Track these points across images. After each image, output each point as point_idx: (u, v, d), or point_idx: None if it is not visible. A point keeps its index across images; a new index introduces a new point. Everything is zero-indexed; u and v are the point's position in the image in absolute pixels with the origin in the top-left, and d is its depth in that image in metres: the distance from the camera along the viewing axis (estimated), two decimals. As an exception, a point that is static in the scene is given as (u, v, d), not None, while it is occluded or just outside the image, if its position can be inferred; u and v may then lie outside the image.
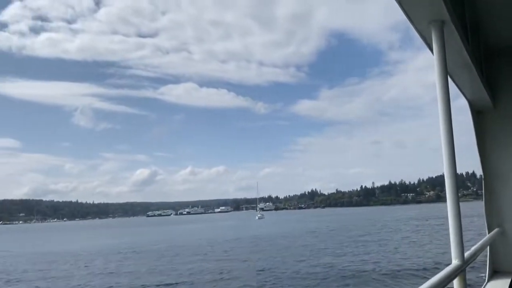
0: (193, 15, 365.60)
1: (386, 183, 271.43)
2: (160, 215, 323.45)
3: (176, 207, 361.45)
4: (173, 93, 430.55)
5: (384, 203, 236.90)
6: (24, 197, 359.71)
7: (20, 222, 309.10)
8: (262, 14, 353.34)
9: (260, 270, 22.22)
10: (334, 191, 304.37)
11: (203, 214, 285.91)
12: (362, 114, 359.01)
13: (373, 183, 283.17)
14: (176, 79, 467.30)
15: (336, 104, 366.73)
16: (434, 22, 2.66)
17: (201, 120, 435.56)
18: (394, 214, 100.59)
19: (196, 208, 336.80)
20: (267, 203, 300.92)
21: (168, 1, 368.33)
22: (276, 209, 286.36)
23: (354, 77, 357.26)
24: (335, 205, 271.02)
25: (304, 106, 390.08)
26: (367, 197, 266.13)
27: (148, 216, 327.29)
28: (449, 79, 3.23)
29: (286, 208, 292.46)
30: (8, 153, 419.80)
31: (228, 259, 27.94)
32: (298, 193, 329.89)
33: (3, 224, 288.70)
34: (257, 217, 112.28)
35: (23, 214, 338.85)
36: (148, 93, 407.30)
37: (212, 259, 28.30)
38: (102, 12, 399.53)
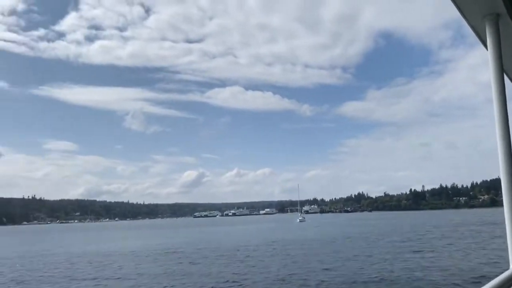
0: (240, 20, 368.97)
1: (437, 186, 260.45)
2: (206, 216, 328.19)
3: (222, 208, 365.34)
4: (219, 97, 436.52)
5: (434, 207, 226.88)
6: (79, 198, 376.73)
7: (76, 221, 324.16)
8: (308, 17, 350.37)
9: (280, 279, 21.30)
10: (382, 194, 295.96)
11: (248, 216, 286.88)
12: (410, 115, 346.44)
13: (423, 186, 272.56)
14: (222, 83, 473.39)
15: (383, 105, 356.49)
16: (488, 16, 2.52)
17: (247, 123, 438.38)
18: (445, 219, 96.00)
19: (241, 210, 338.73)
20: (312, 206, 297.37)
21: (215, 7, 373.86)
22: (322, 212, 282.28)
23: (402, 77, 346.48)
24: (383, 208, 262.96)
25: (350, 108, 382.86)
26: (416, 200, 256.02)
27: (195, 217, 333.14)
28: (505, 77, 2.85)
29: (332, 211, 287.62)
30: (65, 155, 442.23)
31: (247, 264, 27.17)
32: (344, 196, 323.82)
33: (60, 223, 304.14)
34: (298, 220, 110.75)
35: (78, 214, 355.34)
36: (196, 97, 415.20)
37: (232, 263, 27.68)
38: (152, 19, 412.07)
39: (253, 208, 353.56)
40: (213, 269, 25.47)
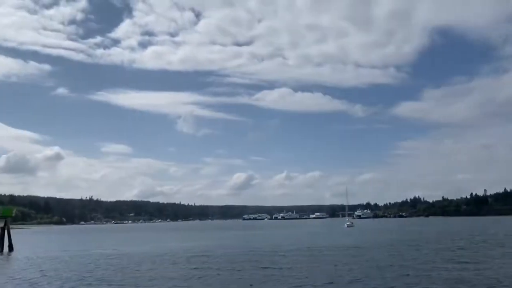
0: (289, 21, 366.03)
1: (501, 190, 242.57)
2: (255, 218, 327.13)
3: (272, 211, 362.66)
4: (268, 99, 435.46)
5: (499, 213, 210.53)
6: (134, 199, 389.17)
7: (129, 221, 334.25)
8: (359, 15, 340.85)
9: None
10: (440, 198, 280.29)
11: (297, 220, 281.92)
12: (471, 115, 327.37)
13: (485, 190, 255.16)
14: (271, 85, 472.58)
15: (441, 105, 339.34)
16: None
17: (296, 125, 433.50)
18: (509, 226, 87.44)
19: (290, 213, 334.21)
20: (365, 211, 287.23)
21: (264, 9, 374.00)
22: (375, 216, 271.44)
23: (461, 75, 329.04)
24: (441, 214, 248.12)
25: (406, 108, 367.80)
26: (478, 206, 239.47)
27: (244, 219, 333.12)
28: None
29: (386, 216, 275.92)
30: (121, 158, 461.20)
31: (263, 270, 23.92)
32: (399, 200, 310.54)
33: (115, 223, 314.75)
34: (345, 225, 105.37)
35: (133, 214, 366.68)
36: (244, 99, 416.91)
37: (252, 268, 24.60)
38: (202, 23, 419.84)
39: (302, 212, 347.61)
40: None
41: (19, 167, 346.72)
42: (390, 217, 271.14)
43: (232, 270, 25.17)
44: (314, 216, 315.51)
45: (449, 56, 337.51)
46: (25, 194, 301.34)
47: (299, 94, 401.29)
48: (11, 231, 43.81)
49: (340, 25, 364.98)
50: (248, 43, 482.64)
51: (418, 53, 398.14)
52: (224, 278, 22.36)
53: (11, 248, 42.03)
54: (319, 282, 20.34)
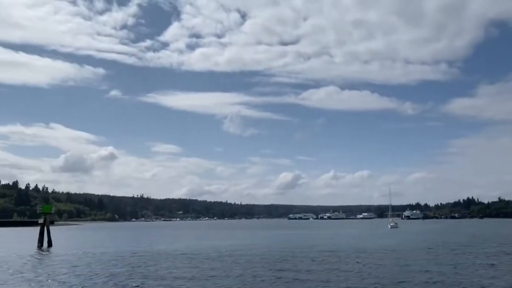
0: (335, 18, 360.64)
1: None
2: (300, 218, 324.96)
3: (318, 211, 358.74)
4: (314, 98, 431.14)
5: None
6: (182, 197, 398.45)
7: (177, 219, 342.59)
8: (408, 10, 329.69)
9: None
10: (496, 199, 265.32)
11: (343, 220, 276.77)
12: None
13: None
14: (317, 84, 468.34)
15: (497, 101, 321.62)
16: None
17: (343, 123, 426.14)
18: None
19: (337, 213, 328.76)
20: (414, 211, 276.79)
21: (310, 7, 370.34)
22: (424, 217, 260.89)
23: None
24: (497, 215, 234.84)
25: (458, 105, 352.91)
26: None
27: (289, 218, 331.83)
28: None
29: (436, 217, 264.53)
30: (171, 157, 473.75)
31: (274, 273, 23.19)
32: (451, 201, 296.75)
33: (164, 220, 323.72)
34: (389, 226, 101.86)
35: (181, 212, 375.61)
36: (290, 99, 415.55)
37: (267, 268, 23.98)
38: (248, 24, 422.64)
39: (349, 212, 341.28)
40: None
41: (76, 166, 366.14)
42: (441, 218, 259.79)
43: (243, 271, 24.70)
44: (361, 216, 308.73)
45: (505, 50, 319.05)
46: (81, 192, 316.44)
47: (346, 92, 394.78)
48: (54, 227, 45.69)
49: (388, 21, 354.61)
50: (294, 42, 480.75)
51: (472, 47, 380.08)
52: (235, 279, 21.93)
53: (50, 243, 43.86)
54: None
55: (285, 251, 38.04)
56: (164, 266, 27.63)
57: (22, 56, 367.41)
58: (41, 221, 43.08)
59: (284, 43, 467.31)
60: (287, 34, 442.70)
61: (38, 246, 42.86)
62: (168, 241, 57.19)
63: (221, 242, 52.93)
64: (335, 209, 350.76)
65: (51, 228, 45.30)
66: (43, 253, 38.95)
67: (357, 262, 29.15)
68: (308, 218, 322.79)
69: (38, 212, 45.90)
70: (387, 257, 32.44)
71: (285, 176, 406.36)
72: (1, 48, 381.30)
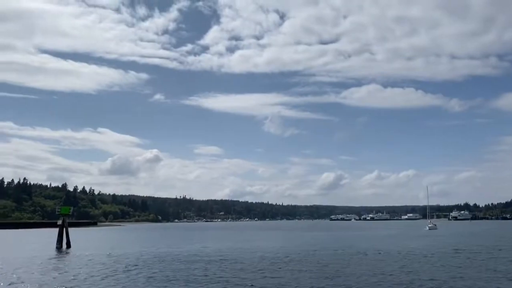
0: (376, 15, 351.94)
1: None
2: (342, 219, 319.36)
3: (361, 212, 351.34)
4: (355, 96, 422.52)
5: None
6: (224, 198, 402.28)
7: (219, 220, 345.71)
8: (452, 3, 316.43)
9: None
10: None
11: (387, 221, 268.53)
12: None
13: None
14: (358, 82, 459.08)
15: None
16: None
17: (386, 122, 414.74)
18: None
19: (380, 214, 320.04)
20: (462, 212, 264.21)
21: (349, 4, 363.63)
22: (473, 218, 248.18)
23: None
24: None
25: (509, 100, 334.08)
26: None
27: (331, 219, 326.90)
28: None
29: (486, 218, 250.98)
30: (213, 159, 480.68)
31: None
32: (503, 201, 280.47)
33: (205, 221, 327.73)
34: (427, 227, 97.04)
35: (222, 213, 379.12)
36: (331, 98, 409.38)
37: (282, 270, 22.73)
38: (286, 24, 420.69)
39: (394, 212, 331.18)
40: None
41: (122, 169, 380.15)
42: (491, 219, 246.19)
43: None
44: (406, 217, 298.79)
45: None
46: (127, 193, 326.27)
47: (389, 90, 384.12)
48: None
49: (432, 16, 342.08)
50: (333, 40, 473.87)
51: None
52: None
53: (68, 244, 44.63)
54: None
55: (291, 254, 36.54)
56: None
57: (70, 64, 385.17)
58: (59, 222, 43.91)
59: (324, 42, 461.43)
60: (327, 32, 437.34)
61: (57, 247, 43.67)
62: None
63: (263, 243, 52.04)
64: (378, 209, 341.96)
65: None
66: (60, 254, 39.57)
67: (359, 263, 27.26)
68: (350, 219, 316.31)
69: (56, 213, 46.83)
70: (390, 259, 30.22)
71: (327, 177, 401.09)
72: (51, 57, 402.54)
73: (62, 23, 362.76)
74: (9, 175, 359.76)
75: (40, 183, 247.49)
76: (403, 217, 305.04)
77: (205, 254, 38.36)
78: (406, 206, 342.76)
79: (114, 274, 25.14)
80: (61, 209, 46.05)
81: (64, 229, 43.97)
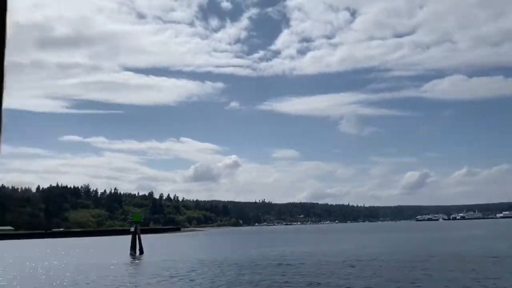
0: (455, 2, 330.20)
1: None
2: (429, 219, 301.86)
3: (450, 211, 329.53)
4: (437, 89, 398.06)
5: None
6: (303, 201, 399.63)
7: (298, 223, 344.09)
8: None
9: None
10: None
11: (479, 220, 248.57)
12: None
13: None
14: (440, 74, 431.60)
15: None
16: None
17: (474, 114, 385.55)
18: None
19: (472, 213, 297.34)
20: None
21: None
22: None
23: None
24: None
25: None
26: None
27: (417, 220, 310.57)
28: None
29: None
30: (290, 162, 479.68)
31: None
32: None
33: (285, 224, 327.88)
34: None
35: (302, 216, 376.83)
36: (410, 92, 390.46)
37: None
38: (358, 21, 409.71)
39: (488, 210, 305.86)
40: None
41: (204, 175, 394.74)
42: None
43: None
44: (501, 215, 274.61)
45: None
46: (210, 199, 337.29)
47: (475, 80, 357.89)
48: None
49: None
50: (409, 32, 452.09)
51: None
52: None
53: (141, 251, 46.75)
54: None
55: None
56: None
57: (151, 79, 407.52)
58: (132, 229, 46.20)
59: (399, 35, 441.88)
60: (402, 25, 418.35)
61: (131, 254, 45.96)
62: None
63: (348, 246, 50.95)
64: (469, 208, 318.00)
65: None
66: (132, 260, 41.60)
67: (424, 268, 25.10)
68: (438, 219, 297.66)
69: (129, 221, 49.25)
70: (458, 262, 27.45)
71: (412, 175, 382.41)
72: (133, 74, 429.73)
73: (141, 41, 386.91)
74: (103, 186, 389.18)
75: (129, 192, 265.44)
76: (498, 215, 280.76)
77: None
78: (501, 204, 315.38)
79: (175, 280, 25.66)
80: (133, 217, 48.42)
81: (137, 236, 46.15)
